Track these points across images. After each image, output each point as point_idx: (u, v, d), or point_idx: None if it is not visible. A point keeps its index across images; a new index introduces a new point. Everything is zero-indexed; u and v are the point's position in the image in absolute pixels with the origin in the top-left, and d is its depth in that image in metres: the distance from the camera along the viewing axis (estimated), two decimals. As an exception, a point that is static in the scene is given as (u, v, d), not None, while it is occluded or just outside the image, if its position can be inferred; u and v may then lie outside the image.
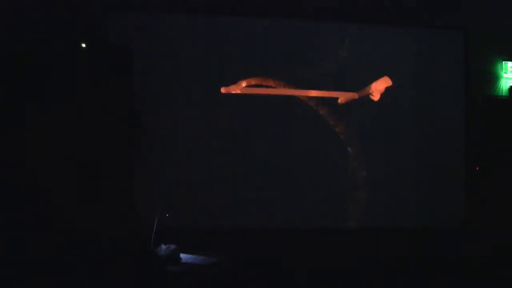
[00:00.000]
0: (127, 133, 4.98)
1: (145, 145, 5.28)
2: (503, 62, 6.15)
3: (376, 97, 5.68)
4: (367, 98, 5.75)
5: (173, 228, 4.73)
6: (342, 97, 5.71)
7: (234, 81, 5.57)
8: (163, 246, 3.84)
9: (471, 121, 5.95)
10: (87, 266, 3.99)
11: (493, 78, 6.15)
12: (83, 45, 4.79)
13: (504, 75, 6.15)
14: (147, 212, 4.76)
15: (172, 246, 3.87)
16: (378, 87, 5.71)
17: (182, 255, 3.89)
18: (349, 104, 5.74)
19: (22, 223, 4.35)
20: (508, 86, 6.16)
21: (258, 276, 4.70)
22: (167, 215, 4.57)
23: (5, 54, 4.59)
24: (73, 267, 4.03)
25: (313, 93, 5.68)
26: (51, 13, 5.09)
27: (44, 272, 4.05)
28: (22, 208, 4.41)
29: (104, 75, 4.72)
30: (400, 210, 5.72)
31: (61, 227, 4.40)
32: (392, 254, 5.50)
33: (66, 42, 4.81)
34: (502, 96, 6.15)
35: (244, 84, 5.55)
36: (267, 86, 5.61)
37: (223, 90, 5.50)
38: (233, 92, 5.53)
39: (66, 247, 4.24)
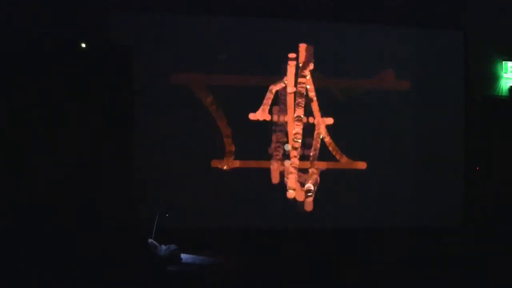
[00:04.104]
0: (127, 132, 4.99)
1: (145, 145, 5.29)
2: (503, 62, 6.14)
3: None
4: (367, 98, 5.76)
5: (173, 228, 4.73)
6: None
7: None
8: (163, 246, 3.84)
9: (471, 121, 5.95)
10: (87, 266, 3.98)
11: (493, 78, 6.14)
12: (83, 45, 4.80)
13: (504, 75, 6.14)
14: (147, 212, 4.77)
15: (172, 246, 3.87)
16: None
17: (182, 255, 3.88)
18: (349, 104, 5.74)
19: (22, 222, 4.35)
20: (508, 86, 6.16)
21: (258, 276, 4.70)
22: (167, 215, 4.58)
23: (5, 54, 4.59)
24: (73, 267, 4.03)
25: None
26: (51, 13, 5.09)
27: (43, 271, 4.05)
28: (21, 208, 4.41)
29: (104, 75, 4.73)
30: (400, 210, 5.71)
31: (60, 226, 4.40)
32: (392, 254, 5.50)
33: (66, 42, 4.81)
34: (502, 96, 6.15)
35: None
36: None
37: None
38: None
39: (66, 247, 4.25)
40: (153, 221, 4.47)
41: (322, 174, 5.69)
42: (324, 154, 5.71)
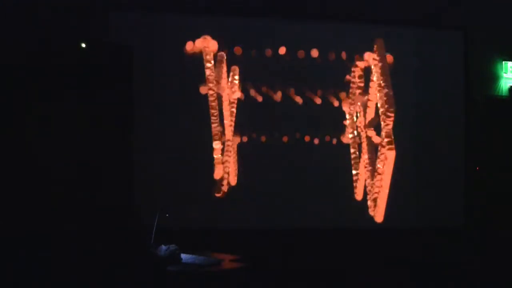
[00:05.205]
0: (127, 132, 4.99)
1: (145, 145, 5.28)
2: (503, 62, 6.15)
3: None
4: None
5: (173, 228, 4.73)
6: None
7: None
8: (163, 246, 3.83)
9: (471, 121, 5.95)
10: (87, 266, 3.99)
11: (493, 78, 6.15)
12: (83, 45, 4.79)
13: (504, 75, 6.15)
14: (147, 212, 4.76)
15: (172, 246, 3.86)
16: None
17: (182, 255, 3.88)
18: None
19: (21, 223, 4.35)
20: (508, 86, 6.16)
21: (259, 276, 4.70)
22: (167, 215, 4.57)
23: (5, 54, 4.59)
24: (72, 267, 4.03)
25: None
26: (51, 13, 5.09)
27: (42, 271, 4.05)
28: (20, 208, 4.41)
29: (104, 75, 4.72)
30: (400, 210, 5.71)
31: (60, 227, 4.40)
32: (391, 254, 5.50)
33: (66, 42, 4.81)
34: (502, 96, 6.15)
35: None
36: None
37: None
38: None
39: (65, 247, 4.25)
40: (153, 221, 4.46)
41: (322, 173, 5.69)
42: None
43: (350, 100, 5.72)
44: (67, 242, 4.25)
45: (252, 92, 5.60)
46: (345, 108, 5.73)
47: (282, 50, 5.60)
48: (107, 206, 4.60)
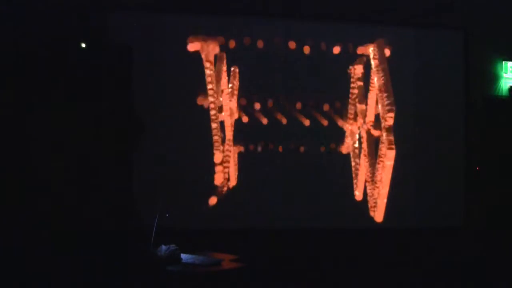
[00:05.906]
0: (126, 132, 4.99)
1: (145, 145, 5.28)
2: (503, 62, 6.15)
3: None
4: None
5: (173, 228, 4.73)
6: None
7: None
8: (163, 246, 3.83)
9: (471, 121, 5.95)
10: (86, 266, 3.99)
11: (493, 78, 6.15)
12: (83, 45, 4.79)
13: (504, 75, 6.15)
14: (147, 212, 4.76)
15: (172, 246, 3.86)
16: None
17: (182, 255, 3.88)
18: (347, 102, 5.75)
19: (21, 222, 4.36)
20: (508, 86, 6.17)
21: (259, 276, 4.70)
22: (167, 215, 4.57)
23: (5, 54, 4.59)
24: (72, 267, 4.03)
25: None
26: (50, 13, 5.09)
27: (42, 271, 4.05)
28: (21, 207, 4.42)
29: (104, 75, 4.72)
30: (400, 210, 5.71)
31: (60, 226, 4.40)
32: (391, 254, 5.50)
33: (66, 42, 4.81)
34: (502, 96, 6.16)
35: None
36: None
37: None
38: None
39: (65, 246, 4.25)
40: (153, 221, 4.47)
41: (321, 173, 5.69)
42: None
43: (350, 101, 5.72)
44: (66, 242, 4.26)
45: (252, 96, 5.60)
46: (345, 111, 5.74)
47: (282, 51, 5.61)
48: (106, 205, 4.60)
